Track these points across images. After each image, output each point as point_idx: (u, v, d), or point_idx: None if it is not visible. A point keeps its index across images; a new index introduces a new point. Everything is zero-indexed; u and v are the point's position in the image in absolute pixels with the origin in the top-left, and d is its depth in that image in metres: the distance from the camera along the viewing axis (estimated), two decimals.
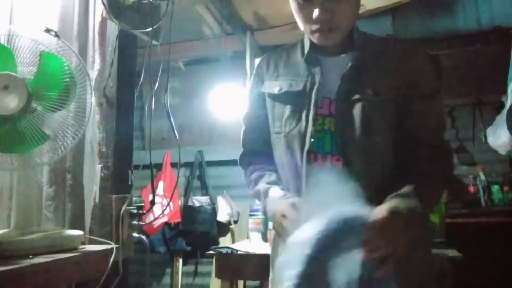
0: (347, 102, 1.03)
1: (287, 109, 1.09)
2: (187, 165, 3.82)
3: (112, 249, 1.40)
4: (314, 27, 1.02)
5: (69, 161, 1.66)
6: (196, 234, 3.53)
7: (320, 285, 0.81)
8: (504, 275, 2.87)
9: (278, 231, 1.08)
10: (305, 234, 0.84)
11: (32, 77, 1.33)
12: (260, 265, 1.76)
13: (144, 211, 1.80)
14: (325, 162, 1.04)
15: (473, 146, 3.39)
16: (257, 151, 1.19)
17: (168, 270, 3.79)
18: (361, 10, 2.90)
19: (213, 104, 3.59)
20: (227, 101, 3.41)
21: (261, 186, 1.10)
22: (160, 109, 1.79)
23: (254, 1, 3.00)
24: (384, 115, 1.02)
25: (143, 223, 1.79)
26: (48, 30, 1.39)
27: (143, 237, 1.76)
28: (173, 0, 1.70)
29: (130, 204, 1.66)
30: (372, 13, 2.98)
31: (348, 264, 0.81)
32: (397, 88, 1.03)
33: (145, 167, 1.84)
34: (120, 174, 1.67)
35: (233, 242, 3.50)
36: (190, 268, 3.78)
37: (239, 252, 2.05)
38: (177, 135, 1.76)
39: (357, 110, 1.02)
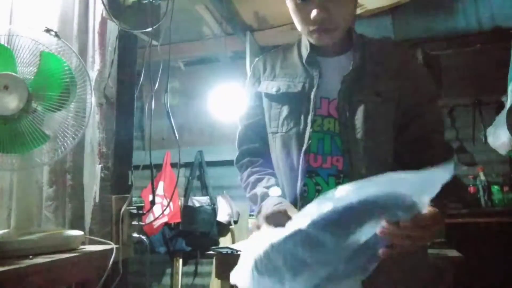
0: (349, 103, 1.03)
1: (285, 110, 1.09)
2: (187, 165, 3.82)
3: (112, 249, 1.40)
4: (312, 27, 1.02)
5: (69, 161, 1.66)
6: (196, 234, 3.53)
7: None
8: (504, 275, 2.87)
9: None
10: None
11: (32, 77, 1.33)
12: None
13: (144, 211, 1.80)
14: (325, 163, 1.04)
15: (473, 146, 3.40)
16: (254, 152, 1.18)
17: (168, 270, 3.79)
18: (361, 10, 2.91)
19: (213, 104, 3.59)
20: (227, 101, 3.40)
21: (259, 190, 1.09)
22: (160, 109, 1.79)
23: (254, 1, 3.00)
24: (385, 115, 1.02)
25: (143, 223, 1.79)
26: (48, 30, 1.39)
27: (143, 237, 1.76)
28: (173, 0, 1.70)
29: (130, 204, 1.65)
30: (372, 13, 2.98)
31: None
32: (398, 89, 1.03)
33: (145, 167, 1.84)
34: (120, 174, 1.67)
35: (233, 242, 3.50)
36: (190, 268, 3.78)
37: (239, 253, 2.05)
38: (177, 135, 1.76)
39: (359, 111, 1.02)
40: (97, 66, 1.68)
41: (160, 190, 3.51)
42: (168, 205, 3.16)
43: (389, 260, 0.79)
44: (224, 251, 2.09)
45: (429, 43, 3.35)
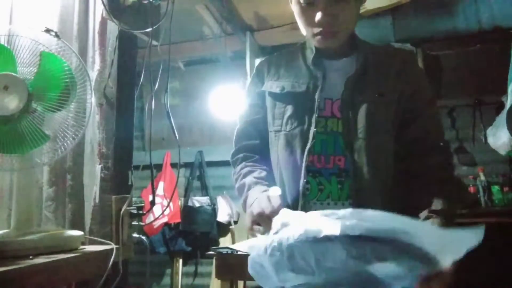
0: (352, 104, 1.05)
1: (289, 109, 1.10)
2: (187, 165, 3.82)
3: (112, 249, 1.40)
4: (316, 30, 1.04)
5: (69, 162, 1.66)
6: (196, 234, 3.53)
7: None
8: (504, 275, 2.87)
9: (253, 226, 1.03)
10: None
11: (32, 78, 1.32)
12: None
13: (144, 212, 1.80)
14: (328, 163, 1.06)
15: (473, 146, 3.39)
16: (251, 148, 1.19)
17: (168, 270, 3.79)
18: (361, 10, 2.90)
19: (213, 104, 3.59)
20: (227, 101, 3.41)
21: (248, 179, 1.10)
22: (160, 109, 1.79)
23: (254, 1, 3.00)
24: (386, 116, 1.04)
25: (143, 224, 1.79)
26: (48, 30, 1.39)
27: (143, 237, 1.76)
28: (173, 0, 1.70)
29: (130, 205, 1.65)
30: (372, 13, 2.98)
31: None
32: (399, 91, 1.05)
33: (145, 167, 1.84)
34: (120, 175, 1.67)
35: (233, 242, 3.50)
36: (190, 268, 3.78)
37: (239, 253, 2.05)
38: (177, 135, 1.76)
39: (362, 111, 1.04)
40: (97, 66, 1.68)
41: (160, 190, 3.51)
42: (168, 205, 3.16)
43: None
44: (224, 251, 2.09)
45: (429, 43, 3.35)
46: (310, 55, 1.13)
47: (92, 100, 1.44)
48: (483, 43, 3.33)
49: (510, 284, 2.83)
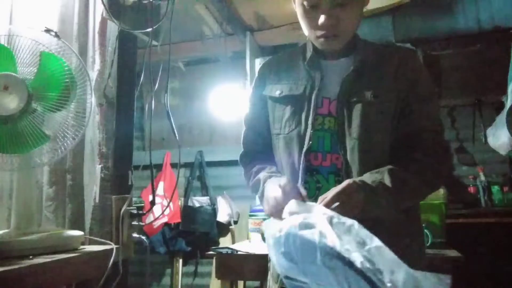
0: (347, 103, 1.06)
1: (287, 112, 1.12)
2: (187, 165, 3.82)
3: (112, 249, 1.40)
4: (319, 33, 1.05)
5: (69, 162, 1.66)
6: (196, 234, 3.53)
7: None
8: (504, 275, 2.87)
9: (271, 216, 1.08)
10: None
11: (32, 78, 1.33)
12: (260, 266, 1.75)
13: (144, 212, 1.80)
14: (324, 161, 1.06)
15: (473, 146, 3.39)
16: (258, 151, 1.22)
17: (168, 270, 3.79)
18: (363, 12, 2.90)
19: (213, 104, 3.59)
20: (227, 101, 3.41)
21: (262, 175, 1.13)
22: (160, 109, 1.79)
23: (254, 1, 3.00)
24: (382, 117, 1.04)
25: (143, 224, 1.79)
26: (48, 30, 1.39)
27: (143, 237, 1.76)
28: (173, 0, 1.70)
29: (130, 205, 1.65)
30: (372, 13, 2.98)
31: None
32: (396, 91, 1.05)
33: (145, 167, 1.84)
34: (120, 175, 1.67)
35: (233, 242, 3.50)
36: (190, 268, 3.78)
37: (239, 253, 2.05)
38: (177, 135, 1.76)
39: (356, 111, 1.04)
40: (97, 66, 1.68)
41: (160, 190, 3.51)
42: (168, 205, 3.16)
43: None
44: (224, 251, 2.09)
45: (429, 43, 3.35)
46: (308, 55, 1.14)
47: (92, 100, 1.44)
48: (483, 43, 3.33)
49: (510, 284, 2.83)
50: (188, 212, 3.55)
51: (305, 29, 1.09)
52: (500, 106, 2.96)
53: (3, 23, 1.68)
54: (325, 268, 0.78)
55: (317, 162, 1.07)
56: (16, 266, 1.08)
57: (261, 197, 1.10)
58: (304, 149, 1.06)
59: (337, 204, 0.88)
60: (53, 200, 1.64)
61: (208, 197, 3.66)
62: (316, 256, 0.78)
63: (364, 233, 0.78)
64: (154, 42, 1.73)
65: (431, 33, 3.36)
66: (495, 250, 2.93)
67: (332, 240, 0.77)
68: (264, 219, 2.38)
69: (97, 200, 1.60)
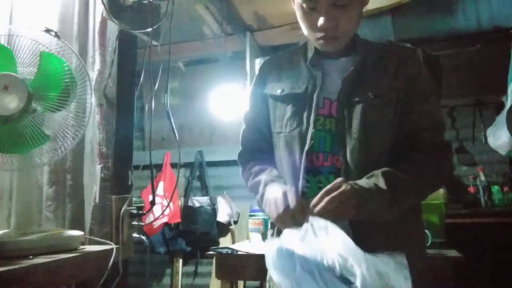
0: (348, 103, 1.05)
1: (288, 110, 1.11)
2: (187, 165, 3.82)
3: (112, 249, 1.40)
4: (319, 34, 1.05)
5: (69, 162, 1.66)
6: (196, 234, 3.53)
7: None
8: (504, 275, 2.87)
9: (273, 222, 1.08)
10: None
11: (32, 78, 1.33)
12: (260, 266, 1.75)
13: (144, 212, 1.79)
14: (326, 161, 1.06)
15: (473, 146, 3.40)
16: (257, 150, 1.21)
17: (168, 270, 3.79)
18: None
19: (213, 104, 3.60)
20: (227, 101, 3.41)
21: (263, 177, 1.11)
22: (160, 109, 1.79)
23: (254, 1, 3.00)
24: (383, 117, 1.04)
25: (143, 224, 1.79)
26: (48, 30, 1.39)
27: (143, 237, 1.76)
28: (173, 0, 1.70)
29: (130, 205, 1.65)
30: (372, 13, 2.98)
31: None
32: (397, 91, 1.05)
33: (145, 167, 1.84)
34: (120, 175, 1.67)
35: (233, 242, 3.50)
36: (190, 268, 3.78)
37: (239, 253, 2.05)
38: (177, 135, 1.76)
39: (357, 111, 1.04)
40: (97, 66, 1.68)
41: (160, 190, 3.51)
42: (168, 205, 3.17)
43: None
44: (224, 251, 2.09)
45: (429, 43, 3.35)
46: (310, 55, 1.14)
47: (92, 100, 1.44)
48: (483, 43, 3.33)
49: (510, 284, 2.83)
50: (188, 212, 3.55)
51: (305, 31, 1.09)
52: (500, 106, 2.96)
53: (3, 23, 1.68)
54: (305, 274, 0.80)
55: (318, 162, 1.07)
56: (16, 266, 1.08)
57: (260, 200, 1.09)
58: (306, 148, 1.06)
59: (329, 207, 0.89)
60: (53, 200, 1.64)
61: (208, 197, 3.66)
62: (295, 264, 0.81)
63: (333, 228, 0.81)
64: (154, 42, 1.73)
65: (431, 33, 3.36)
66: (495, 250, 2.94)
67: (303, 249, 0.80)
68: (264, 219, 2.38)
69: (97, 200, 1.60)
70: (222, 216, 3.56)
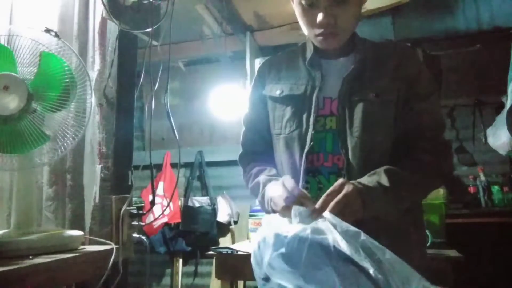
0: (349, 102, 1.05)
1: (288, 112, 1.11)
2: (187, 165, 3.82)
3: (112, 249, 1.40)
4: (318, 31, 1.04)
5: (69, 162, 1.66)
6: (196, 234, 3.53)
7: None
8: (504, 275, 2.87)
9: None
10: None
11: (32, 78, 1.33)
12: None
13: (144, 212, 1.79)
14: (326, 161, 1.06)
15: (473, 146, 3.40)
16: (257, 152, 1.22)
17: (168, 270, 3.79)
18: (361, 10, 2.90)
19: (213, 104, 3.59)
20: (227, 101, 3.41)
21: (262, 178, 1.12)
22: (160, 109, 1.79)
23: (254, 1, 3.00)
24: (384, 115, 1.04)
25: (143, 224, 1.79)
26: (48, 30, 1.39)
27: (143, 237, 1.76)
28: (173, 0, 1.70)
29: (130, 205, 1.65)
30: (372, 13, 2.98)
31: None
32: (397, 89, 1.05)
33: (145, 167, 1.84)
34: (120, 175, 1.67)
35: (233, 242, 3.50)
36: (190, 268, 3.78)
37: (239, 253, 2.05)
38: (177, 135, 1.76)
39: (358, 110, 1.04)
40: (97, 66, 1.68)
41: (160, 190, 3.51)
42: (168, 205, 3.16)
43: None
44: (224, 251, 2.09)
45: (429, 43, 3.36)
46: (309, 55, 1.13)
47: (92, 100, 1.44)
48: (483, 43, 3.33)
49: (510, 284, 2.83)
50: (188, 212, 3.55)
51: (304, 28, 1.08)
52: (500, 106, 2.96)
53: (3, 23, 1.68)
54: (334, 273, 0.77)
55: (318, 163, 1.07)
56: (16, 266, 1.08)
57: (262, 200, 1.09)
58: (306, 150, 1.06)
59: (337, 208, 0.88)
60: (53, 200, 1.64)
61: (208, 197, 3.66)
62: (327, 261, 0.78)
63: (373, 243, 0.79)
64: (154, 42, 1.73)
65: (431, 33, 3.36)
66: (495, 250, 2.94)
67: (344, 246, 0.77)
68: None
69: (97, 200, 1.60)
70: (222, 216, 3.56)
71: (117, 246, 1.48)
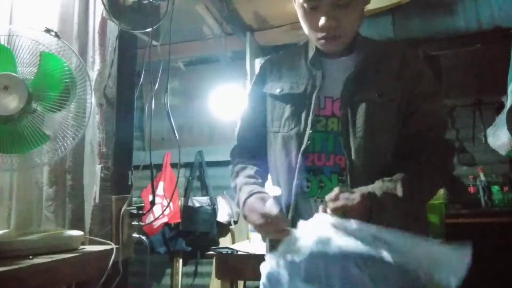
0: (351, 102, 1.05)
1: (287, 110, 1.11)
2: (187, 165, 3.82)
3: (112, 249, 1.40)
4: (320, 34, 1.04)
5: (69, 162, 1.66)
6: (196, 234, 3.53)
7: None
8: (504, 275, 2.87)
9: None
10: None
11: (32, 78, 1.33)
12: (260, 265, 1.75)
13: (144, 212, 1.79)
14: (328, 161, 1.06)
15: (473, 146, 3.39)
16: (248, 147, 1.22)
17: (168, 270, 3.79)
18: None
19: (213, 104, 3.59)
20: (227, 101, 3.40)
21: (239, 180, 1.13)
22: (160, 109, 1.79)
23: (254, 1, 3.00)
24: (387, 116, 1.04)
25: (143, 224, 1.79)
26: (48, 30, 1.39)
27: (143, 237, 1.76)
28: (173, 0, 1.70)
29: (130, 205, 1.65)
30: (372, 13, 2.98)
31: None
32: (400, 90, 1.05)
33: (145, 167, 1.84)
34: (120, 175, 1.67)
35: (233, 242, 3.50)
36: (190, 268, 3.78)
37: (239, 253, 2.05)
38: (177, 135, 1.76)
39: (360, 110, 1.04)
40: (97, 66, 1.68)
41: (160, 190, 3.51)
42: (168, 205, 3.16)
43: None
44: (224, 251, 2.09)
45: (429, 43, 3.35)
46: (310, 54, 1.13)
47: (92, 100, 1.44)
48: (483, 43, 3.33)
49: (510, 284, 2.83)
50: (188, 212, 3.55)
51: (306, 30, 1.08)
52: (500, 106, 2.96)
53: (3, 23, 1.68)
54: (361, 272, 0.78)
55: (320, 163, 1.06)
56: (16, 266, 1.08)
57: (237, 205, 1.11)
58: (302, 149, 1.05)
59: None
60: (53, 200, 1.64)
61: (208, 197, 3.66)
62: (347, 263, 0.79)
63: (370, 229, 0.79)
64: (154, 42, 1.73)
65: (431, 33, 3.36)
66: (495, 250, 2.93)
67: (357, 244, 0.77)
68: None
69: (97, 200, 1.60)
70: (222, 216, 3.56)
71: (117, 246, 1.48)
